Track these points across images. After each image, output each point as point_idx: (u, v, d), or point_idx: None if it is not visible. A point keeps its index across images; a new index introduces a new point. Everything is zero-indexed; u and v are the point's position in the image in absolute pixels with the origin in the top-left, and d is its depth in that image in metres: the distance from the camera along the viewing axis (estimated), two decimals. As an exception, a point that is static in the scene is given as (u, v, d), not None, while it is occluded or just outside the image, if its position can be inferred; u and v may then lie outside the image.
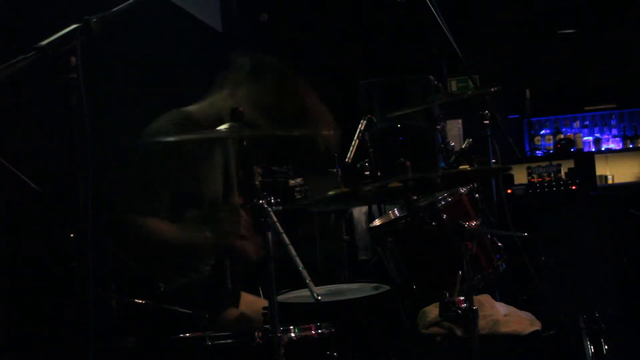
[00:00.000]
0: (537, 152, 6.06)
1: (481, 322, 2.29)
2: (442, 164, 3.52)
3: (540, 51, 6.13)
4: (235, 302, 2.75)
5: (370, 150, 3.23)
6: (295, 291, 2.57)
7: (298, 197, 3.69)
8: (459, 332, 2.38)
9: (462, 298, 2.10)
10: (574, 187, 5.18)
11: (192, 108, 2.67)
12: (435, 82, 4.89)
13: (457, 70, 5.82)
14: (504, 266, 2.70)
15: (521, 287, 3.64)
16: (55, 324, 2.50)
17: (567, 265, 4.89)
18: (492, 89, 3.25)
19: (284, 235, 1.88)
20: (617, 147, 6.18)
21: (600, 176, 5.76)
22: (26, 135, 2.65)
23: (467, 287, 2.12)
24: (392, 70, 5.61)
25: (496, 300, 2.62)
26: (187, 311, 2.29)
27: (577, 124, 6.26)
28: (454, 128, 5.60)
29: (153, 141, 2.48)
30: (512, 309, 2.60)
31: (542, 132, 6.25)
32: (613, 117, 6.22)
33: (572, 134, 6.20)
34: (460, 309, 2.09)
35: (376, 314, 2.48)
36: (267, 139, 2.53)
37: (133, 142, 2.53)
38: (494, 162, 3.34)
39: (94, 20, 1.69)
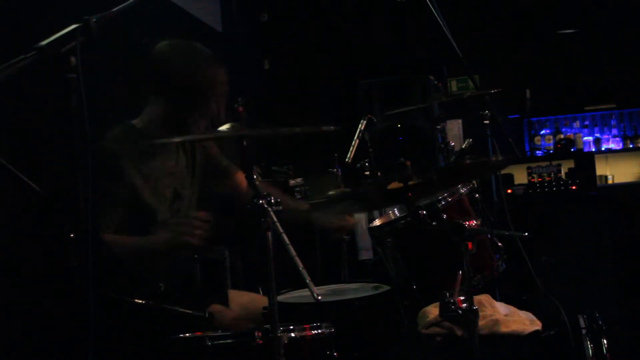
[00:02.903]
0: (537, 152, 6.05)
1: (481, 322, 2.29)
2: (442, 164, 3.51)
3: (540, 51, 6.13)
4: (224, 302, 2.73)
5: (370, 150, 3.23)
6: (295, 291, 2.57)
7: (298, 197, 3.69)
8: (459, 332, 2.38)
9: (462, 298, 2.10)
10: (574, 187, 5.18)
11: (135, 121, 2.65)
12: (435, 82, 4.90)
13: (457, 70, 5.83)
14: (504, 266, 2.70)
15: (521, 287, 3.64)
16: (55, 324, 2.50)
17: (567, 265, 4.89)
18: (492, 91, 3.25)
19: (284, 235, 1.88)
20: (617, 147, 6.18)
21: (600, 176, 5.76)
22: (26, 136, 2.65)
23: (467, 287, 2.12)
24: (392, 70, 5.61)
25: (496, 300, 2.62)
26: (187, 311, 2.29)
27: (577, 124, 6.26)
28: (454, 128, 5.60)
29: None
30: (512, 309, 2.59)
31: (542, 132, 6.25)
32: (613, 117, 6.21)
33: (572, 134, 6.20)
34: (460, 309, 2.09)
35: (376, 314, 2.47)
36: None
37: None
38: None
39: (94, 20, 1.69)
